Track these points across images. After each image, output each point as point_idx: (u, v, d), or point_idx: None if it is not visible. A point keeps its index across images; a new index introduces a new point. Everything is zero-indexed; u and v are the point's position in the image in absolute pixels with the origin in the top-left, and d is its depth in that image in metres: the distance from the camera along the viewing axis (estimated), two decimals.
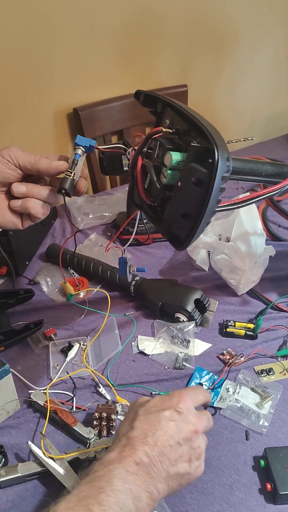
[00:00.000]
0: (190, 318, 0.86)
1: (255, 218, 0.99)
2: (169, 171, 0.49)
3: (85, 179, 0.62)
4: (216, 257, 0.96)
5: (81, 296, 0.98)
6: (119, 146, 0.61)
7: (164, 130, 0.51)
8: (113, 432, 0.69)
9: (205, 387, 0.77)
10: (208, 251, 1.01)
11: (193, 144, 0.46)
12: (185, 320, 0.86)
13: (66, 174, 0.57)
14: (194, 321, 0.86)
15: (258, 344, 0.85)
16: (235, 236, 0.96)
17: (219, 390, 0.76)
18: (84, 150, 0.59)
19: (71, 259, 1.03)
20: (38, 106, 1.43)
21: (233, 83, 1.90)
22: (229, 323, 0.88)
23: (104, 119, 1.51)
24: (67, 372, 0.79)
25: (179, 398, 0.54)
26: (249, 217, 0.98)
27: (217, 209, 0.52)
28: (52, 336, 0.87)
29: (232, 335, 0.87)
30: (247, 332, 0.87)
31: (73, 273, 0.89)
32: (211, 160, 0.44)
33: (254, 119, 2.08)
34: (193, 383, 0.78)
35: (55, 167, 0.59)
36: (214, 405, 0.74)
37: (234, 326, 0.88)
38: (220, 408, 0.74)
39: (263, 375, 0.79)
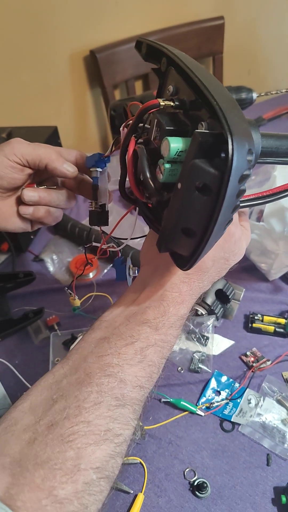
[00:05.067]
0: (210, 311, 0.74)
1: None
2: (166, 165, 0.35)
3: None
4: None
5: (91, 277, 0.88)
6: (116, 138, 0.48)
7: (162, 103, 0.36)
8: None
9: (222, 396, 0.67)
10: None
11: (197, 131, 0.31)
12: (204, 314, 0.74)
13: (90, 206, 0.50)
14: (215, 315, 0.74)
15: None
16: (269, 212, 0.80)
17: (239, 401, 0.66)
18: (99, 168, 0.49)
19: (79, 233, 0.92)
20: (51, 48, 1.25)
21: (281, 12, 1.62)
22: (256, 317, 0.76)
23: (126, 61, 1.32)
24: None
25: None
26: None
27: (239, 205, 0.38)
28: (55, 325, 0.78)
29: (259, 331, 0.75)
30: (277, 329, 0.74)
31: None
32: (223, 155, 0.30)
33: None
34: (209, 390, 0.68)
35: (61, 171, 0.51)
36: (232, 420, 0.64)
37: (262, 320, 0.76)
38: (238, 424, 0.64)
39: None
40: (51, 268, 0.89)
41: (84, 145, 1.47)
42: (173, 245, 0.37)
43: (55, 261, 0.90)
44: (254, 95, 0.89)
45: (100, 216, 0.49)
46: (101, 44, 1.28)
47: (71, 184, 0.55)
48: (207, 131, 0.31)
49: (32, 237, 0.94)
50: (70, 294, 0.59)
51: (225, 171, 0.30)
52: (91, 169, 0.48)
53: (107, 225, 0.51)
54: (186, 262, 0.37)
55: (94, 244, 0.59)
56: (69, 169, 0.51)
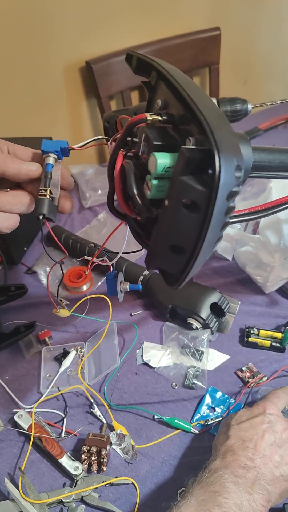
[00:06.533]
0: (205, 325, 0.73)
1: None
2: (154, 181, 0.34)
3: (69, 195, 0.48)
4: (240, 249, 0.81)
5: (84, 289, 0.86)
6: (98, 138, 0.46)
7: (149, 118, 0.35)
8: (105, 468, 0.59)
9: (217, 413, 0.66)
10: None
11: (184, 147, 0.30)
12: (198, 328, 0.73)
13: (40, 194, 0.44)
14: (209, 329, 0.73)
15: (286, 359, 0.72)
16: (264, 224, 0.79)
17: None
18: (56, 156, 0.45)
19: (73, 244, 0.90)
20: (46, 59, 1.25)
21: (276, 22, 1.62)
22: (251, 331, 0.74)
23: (121, 72, 1.31)
24: (58, 389, 0.69)
25: (265, 404, 0.57)
26: None
27: (228, 222, 0.37)
28: (47, 339, 0.77)
29: (255, 345, 0.74)
30: (273, 344, 0.73)
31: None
32: (211, 171, 0.29)
33: None
34: (204, 407, 0.66)
35: (25, 173, 0.45)
36: None
37: (258, 334, 0.74)
38: None
39: None
40: (44, 281, 0.88)
41: (80, 156, 1.46)
42: (162, 262, 0.35)
43: (49, 278, 0.89)
44: (249, 106, 0.89)
45: (51, 205, 0.44)
46: (96, 55, 1.28)
47: (30, 186, 0.47)
48: (194, 147, 0.30)
49: (25, 249, 0.93)
50: (61, 301, 0.57)
51: (213, 188, 0.29)
52: (44, 156, 0.44)
53: (55, 221, 0.45)
54: (175, 280, 0.36)
55: (86, 258, 0.58)
56: (32, 168, 0.44)
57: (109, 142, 0.41)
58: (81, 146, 0.44)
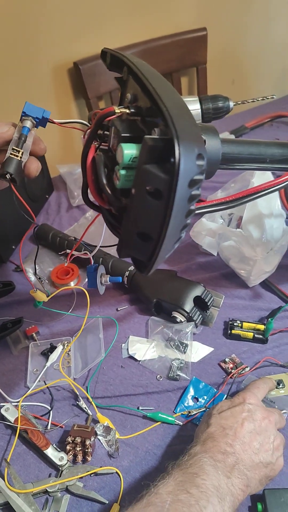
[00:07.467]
0: (189, 318, 0.74)
1: (273, 196, 0.83)
2: (122, 171, 0.35)
3: (37, 160, 0.49)
4: (223, 244, 0.82)
5: (72, 285, 0.87)
6: (79, 121, 0.48)
7: (117, 110, 0.37)
8: (89, 458, 0.60)
9: (200, 403, 0.67)
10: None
11: (147, 136, 0.32)
12: (182, 321, 0.74)
13: (11, 153, 0.44)
14: (193, 322, 0.74)
15: (268, 350, 0.73)
16: (247, 219, 0.81)
17: None
18: (34, 122, 0.46)
19: (60, 242, 0.92)
20: (35, 60, 1.26)
21: (264, 22, 1.65)
22: (235, 324, 0.76)
23: (109, 73, 1.31)
24: (44, 382, 0.70)
25: (245, 394, 0.58)
26: None
27: (196, 211, 0.39)
28: (34, 335, 0.78)
29: (238, 337, 0.75)
30: (256, 335, 0.74)
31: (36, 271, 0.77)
32: (173, 160, 0.31)
33: None
34: (188, 396, 0.67)
35: None
36: None
37: (241, 327, 0.76)
38: None
39: None
40: (32, 278, 0.89)
41: (69, 157, 1.47)
42: (132, 250, 0.37)
43: (37, 270, 0.90)
44: (231, 103, 0.90)
45: (19, 166, 0.44)
46: (84, 56, 1.30)
47: (2, 156, 0.47)
48: (158, 136, 0.32)
49: (13, 247, 0.94)
50: (40, 279, 0.58)
51: (173, 175, 0.30)
52: (23, 117, 0.44)
53: (18, 184, 0.45)
54: (145, 267, 0.37)
55: (67, 251, 0.59)
56: (3, 129, 0.44)
57: (82, 136, 0.42)
58: (61, 123, 0.46)
